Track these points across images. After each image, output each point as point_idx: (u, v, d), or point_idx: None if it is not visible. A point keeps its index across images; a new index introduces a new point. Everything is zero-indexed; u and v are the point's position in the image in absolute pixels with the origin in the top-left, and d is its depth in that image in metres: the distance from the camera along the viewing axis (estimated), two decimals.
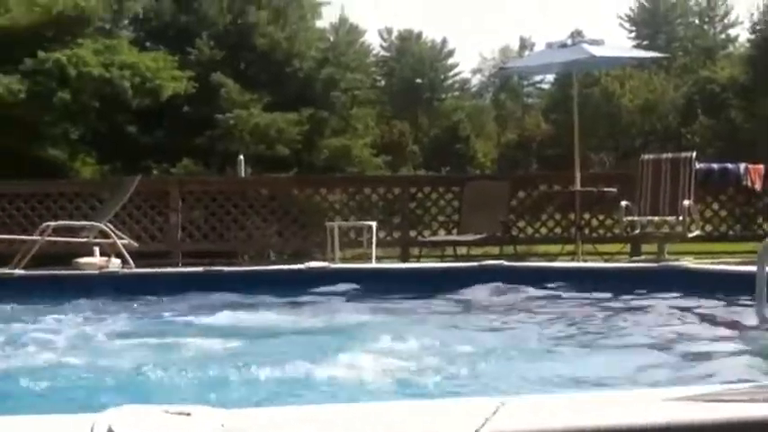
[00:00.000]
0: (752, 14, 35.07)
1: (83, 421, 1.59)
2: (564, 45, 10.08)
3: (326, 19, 30.73)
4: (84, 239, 8.05)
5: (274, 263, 10.51)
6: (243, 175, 12.75)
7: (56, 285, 6.05)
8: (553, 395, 2.26)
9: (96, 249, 7.87)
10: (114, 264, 7.43)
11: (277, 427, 1.62)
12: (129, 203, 9.33)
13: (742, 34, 41.52)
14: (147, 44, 24.33)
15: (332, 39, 29.68)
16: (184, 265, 9.47)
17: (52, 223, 8.30)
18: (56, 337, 4.06)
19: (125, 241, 7.94)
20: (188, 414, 1.63)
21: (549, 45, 10.39)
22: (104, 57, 20.66)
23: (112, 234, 7.87)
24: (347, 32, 32.12)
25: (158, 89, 21.05)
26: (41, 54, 19.56)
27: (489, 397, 1.63)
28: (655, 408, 1.61)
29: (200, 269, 6.67)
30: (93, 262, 7.42)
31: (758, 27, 34.30)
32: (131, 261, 7.56)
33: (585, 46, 9.64)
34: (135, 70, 20.72)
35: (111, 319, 4.88)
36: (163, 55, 22.20)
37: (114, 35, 23.28)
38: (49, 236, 8.03)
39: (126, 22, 25.60)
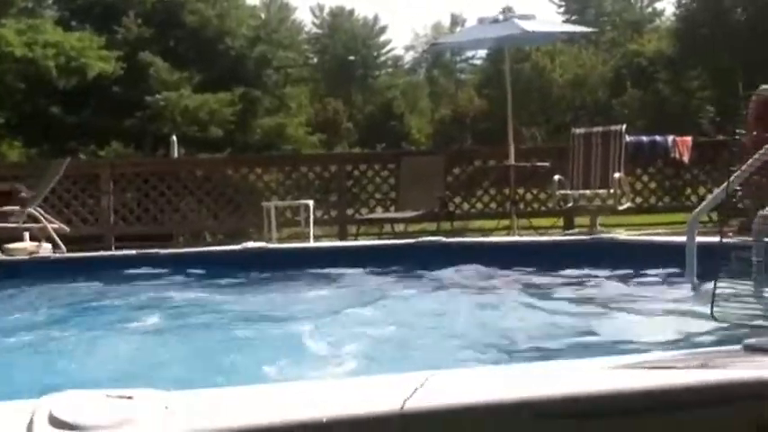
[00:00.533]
0: None
1: (23, 407, 1.56)
2: (496, 20, 10.13)
3: None
4: (14, 224, 7.86)
5: (210, 244, 10.42)
6: (176, 155, 12.57)
7: None
8: (487, 367, 2.30)
9: (26, 234, 7.70)
10: (45, 249, 7.28)
11: (221, 407, 1.62)
12: (58, 187, 9.15)
13: (668, 8, 42.38)
14: (73, 23, 23.79)
15: (263, 16, 29.42)
16: (118, 248, 9.33)
17: None
18: None
19: (56, 226, 7.78)
20: (130, 397, 1.62)
21: (481, 20, 10.44)
22: (27, 36, 20.16)
23: (42, 218, 7.71)
24: (278, 9, 31.82)
25: (84, 68, 20.64)
26: None
27: (415, 372, 1.65)
28: (598, 376, 1.65)
29: (133, 252, 6.57)
30: (24, 247, 7.26)
31: (683, 1, 34.99)
32: (63, 246, 7.42)
33: (517, 21, 9.72)
34: (59, 50, 20.28)
35: (43, 305, 4.79)
36: (89, 34, 21.75)
37: (38, 14, 22.70)
38: None
39: (50, 1, 24.98)
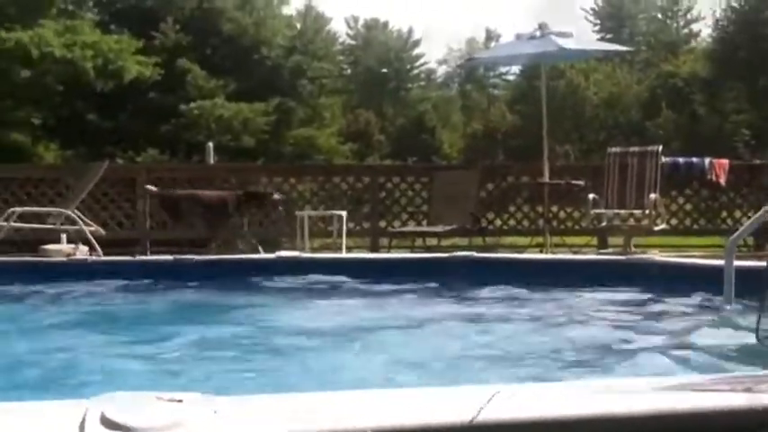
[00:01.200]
0: (714, 11, 35.54)
1: (75, 407, 1.59)
2: (533, 37, 10.12)
3: (293, 5, 30.63)
4: (52, 226, 7.96)
5: (243, 252, 10.47)
6: (212, 162, 12.65)
7: (23, 272, 5.98)
8: (544, 384, 2.30)
9: (63, 236, 7.79)
10: (82, 251, 7.36)
11: (270, 414, 1.63)
12: (95, 190, 9.24)
13: (704, 30, 42.07)
14: (112, 27, 24.06)
15: (299, 26, 29.57)
16: (153, 253, 9.41)
17: (18, 209, 8.19)
18: (30, 323, 4.03)
19: (92, 228, 7.86)
20: (180, 400, 1.64)
21: (518, 36, 10.43)
22: (66, 37, 20.40)
23: (80, 220, 7.80)
24: (314, 20, 31.98)
25: (122, 71, 20.83)
26: (3, 34, 19.26)
27: (483, 385, 1.66)
28: (644, 396, 1.65)
29: (170, 257, 6.63)
30: (61, 249, 7.35)
31: (720, 23, 34.75)
32: (99, 248, 7.49)
33: (554, 38, 9.70)
34: (97, 51, 20.49)
35: (82, 306, 4.84)
36: (126, 37, 21.97)
37: (77, 17, 22.99)
38: (15, 222, 7.92)
39: (90, 3, 25.29)
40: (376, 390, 1.82)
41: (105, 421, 1.55)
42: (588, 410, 1.54)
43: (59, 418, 1.59)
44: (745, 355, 2.88)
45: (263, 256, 6.84)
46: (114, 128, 22.47)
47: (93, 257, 7.08)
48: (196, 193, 8.77)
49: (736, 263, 4.09)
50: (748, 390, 1.77)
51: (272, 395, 1.77)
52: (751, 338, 2.31)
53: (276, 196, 8.95)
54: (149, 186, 9.06)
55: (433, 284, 5.46)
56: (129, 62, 21.10)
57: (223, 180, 10.71)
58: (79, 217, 7.91)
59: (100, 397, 1.62)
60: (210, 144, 12.57)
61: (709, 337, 3.71)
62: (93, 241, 7.61)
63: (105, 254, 7.35)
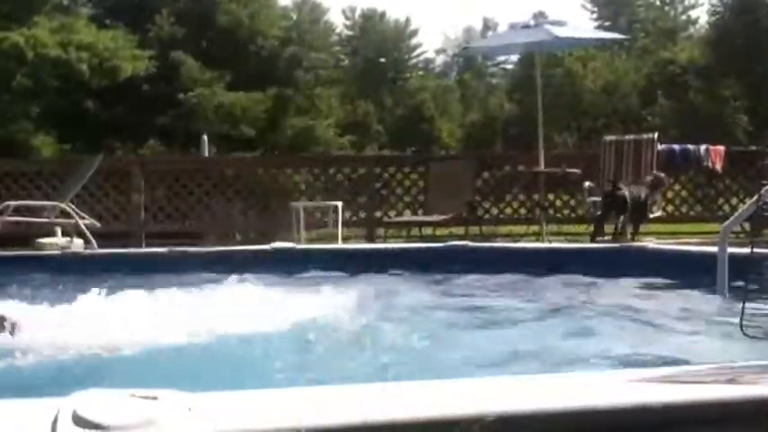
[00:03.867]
0: None
1: (48, 405, 1.57)
2: (527, 26, 10.10)
3: None
4: (46, 219, 7.94)
5: (239, 243, 10.46)
6: (207, 154, 12.64)
7: (18, 265, 5.97)
8: (524, 377, 2.28)
9: (58, 229, 7.77)
10: (77, 244, 7.35)
11: (245, 410, 1.62)
12: (90, 183, 9.22)
13: (702, 16, 41.95)
14: (107, 21, 23.98)
15: (295, 17, 29.49)
16: (148, 245, 9.39)
17: (13, 203, 8.18)
18: (18, 318, 4.00)
19: (87, 221, 7.85)
20: (155, 398, 1.62)
21: (513, 26, 10.48)
22: (61, 36, 20.34)
23: (74, 214, 7.78)
24: (310, 10, 31.89)
25: (117, 69, 20.80)
26: None
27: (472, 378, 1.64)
28: (619, 389, 1.63)
29: (164, 249, 6.61)
30: (56, 242, 7.34)
31: (717, 9, 34.65)
32: (94, 241, 7.48)
33: (548, 27, 9.68)
34: (93, 51, 20.44)
35: (74, 299, 4.82)
36: (122, 33, 21.91)
37: (72, 12, 22.90)
38: (10, 215, 7.91)
39: None
40: (345, 386, 1.81)
41: (78, 419, 1.53)
42: (558, 404, 1.52)
43: (31, 417, 1.58)
44: (733, 346, 2.86)
45: (258, 247, 6.82)
46: (112, 119, 22.43)
47: (88, 250, 7.07)
48: None
49: (733, 249, 4.06)
50: (732, 381, 1.75)
51: (247, 391, 1.75)
52: (738, 327, 2.30)
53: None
54: None
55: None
56: (124, 60, 21.05)
57: (219, 171, 10.69)
58: (74, 210, 7.89)
59: (73, 395, 1.61)
60: (205, 136, 12.54)
61: (698, 326, 3.69)
62: (89, 234, 7.60)
63: (100, 246, 7.34)
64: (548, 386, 1.73)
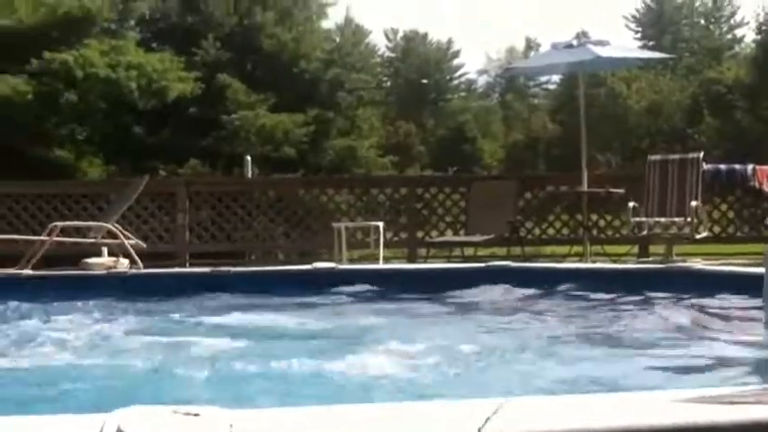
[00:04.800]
0: (758, 15, 34.99)
1: (93, 421, 1.59)
2: (569, 45, 10.04)
3: (332, 19, 30.75)
4: (93, 240, 8.06)
5: (282, 263, 10.52)
6: (250, 175, 12.74)
7: (65, 285, 6.06)
8: (559, 396, 2.26)
9: (104, 250, 7.88)
10: (123, 264, 7.45)
11: (285, 428, 1.63)
12: (136, 204, 9.35)
13: (748, 35, 41.45)
14: (154, 45, 24.38)
15: (338, 39, 29.67)
16: (192, 265, 9.49)
17: (60, 223, 8.32)
18: (68, 336, 4.07)
19: (133, 242, 7.94)
20: (197, 414, 1.64)
21: (555, 46, 10.36)
22: (110, 57, 20.71)
23: (120, 234, 7.89)
24: (353, 33, 32.08)
25: (165, 90, 21.11)
26: (47, 54, 19.60)
27: (491, 398, 1.64)
28: (662, 409, 1.61)
29: (207, 270, 6.68)
30: (102, 262, 7.43)
31: (764, 28, 34.21)
32: (140, 261, 7.57)
33: (591, 46, 9.62)
34: (141, 71, 20.78)
35: (120, 319, 4.89)
36: (169, 56, 22.25)
37: (120, 36, 23.32)
38: (57, 236, 8.04)
39: (132, 22, 25.65)
40: (389, 403, 1.81)
41: None
42: (600, 424, 1.51)
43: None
44: None
45: (300, 267, 6.85)
46: (157, 142, 22.73)
47: (134, 270, 7.16)
48: None
49: None
50: None
51: (288, 408, 1.76)
52: None
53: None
54: None
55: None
56: (172, 81, 21.36)
57: (261, 192, 10.78)
58: (120, 231, 8.00)
59: (118, 411, 1.63)
60: (248, 157, 12.65)
61: (745, 346, 3.63)
62: (134, 254, 7.69)
63: (145, 267, 7.42)
64: (591, 405, 1.71)
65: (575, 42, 10.05)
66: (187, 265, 9.63)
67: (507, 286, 5.44)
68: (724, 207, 10.11)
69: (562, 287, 5.43)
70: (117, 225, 8.12)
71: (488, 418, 1.52)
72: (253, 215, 10.36)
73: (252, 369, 3.22)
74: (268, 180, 14.62)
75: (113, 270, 7.05)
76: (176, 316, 5.07)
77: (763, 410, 1.65)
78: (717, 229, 9.89)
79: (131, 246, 7.81)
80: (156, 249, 9.59)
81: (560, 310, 4.97)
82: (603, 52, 9.54)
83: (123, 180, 11.80)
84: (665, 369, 3.24)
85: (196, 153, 22.34)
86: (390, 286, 5.72)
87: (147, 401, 1.70)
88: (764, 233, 9.80)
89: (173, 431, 1.57)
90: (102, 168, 21.76)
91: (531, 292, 5.36)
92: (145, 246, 8.27)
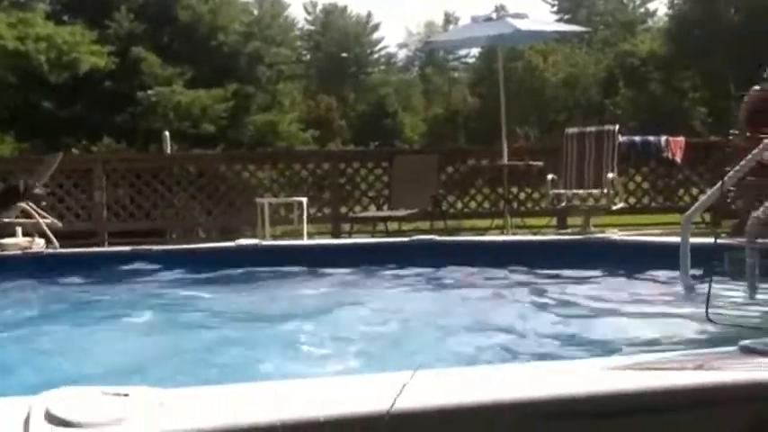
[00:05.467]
0: None
1: (20, 404, 1.56)
2: (489, 19, 10.12)
3: None
4: (6, 219, 7.83)
5: (203, 241, 10.40)
6: (169, 151, 12.52)
7: None
8: (481, 367, 2.30)
9: (19, 229, 7.66)
10: (38, 244, 7.25)
11: (216, 405, 1.62)
12: (50, 182, 9.10)
13: (661, 9, 42.44)
14: (65, 18, 23.71)
15: (256, 12, 29.33)
16: (111, 244, 9.30)
17: None
18: None
19: (48, 220, 7.75)
20: (126, 395, 1.62)
21: (475, 19, 10.43)
22: (18, 30, 20.09)
23: (35, 213, 7.68)
24: (271, 6, 31.74)
25: (76, 63, 20.59)
26: None
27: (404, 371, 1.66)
28: (596, 377, 1.65)
29: (127, 248, 6.54)
30: (17, 242, 7.23)
31: (675, 1, 35.08)
32: (56, 241, 7.39)
33: (510, 20, 9.72)
34: (51, 43, 20.22)
35: (37, 300, 4.77)
36: (80, 29, 21.69)
37: (29, 7, 22.62)
38: None
39: None
40: (305, 380, 1.82)
41: (50, 417, 1.53)
42: (536, 393, 1.54)
43: (4, 415, 1.56)
44: (699, 334, 2.91)
45: (222, 244, 6.77)
46: (70, 118, 22.17)
47: (50, 250, 6.98)
48: None
49: (694, 239, 4.12)
50: (699, 368, 1.78)
51: (218, 386, 1.75)
52: (703, 316, 2.33)
53: (37, 190, 8.07)
54: None
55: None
56: (83, 54, 20.83)
57: (181, 168, 10.61)
58: (35, 209, 7.78)
59: (45, 393, 1.60)
60: (167, 133, 12.44)
61: (664, 314, 3.74)
62: (50, 234, 7.50)
63: (62, 246, 7.25)
64: (526, 374, 1.75)
65: (494, 16, 10.13)
66: (106, 244, 9.44)
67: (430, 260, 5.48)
68: (639, 178, 10.37)
69: (486, 260, 5.50)
70: (31, 203, 7.90)
71: (405, 384, 1.54)
72: (173, 191, 10.20)
73: (176, 348, 3.18)
74: (188, 156, 14.40)
75: (29, 250, 6.86)
76: (97, 297, 4.97)
77: (685, 376, 1.71)
78: (632, 200, 10.14)
79: (47, 224, 7.61)
80: (73, 228, 9.37)
81: (484, 282, 5.03)
82: (522, 25, 9.65)
83: (36, 157, 11.47)
84: (588, 338, 3.31)
85: (111, 129, 21.88)
86: (316, 262, 5.70)
87: (69, 383, 1.67)
88: (678, 204, 10.09)
89: (102, 411, 1.54)
90: (12, 146, 21.14)
91: (455, 264, 5.40)
92: (61, 225, 8.08)
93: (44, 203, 8.02)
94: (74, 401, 1.58)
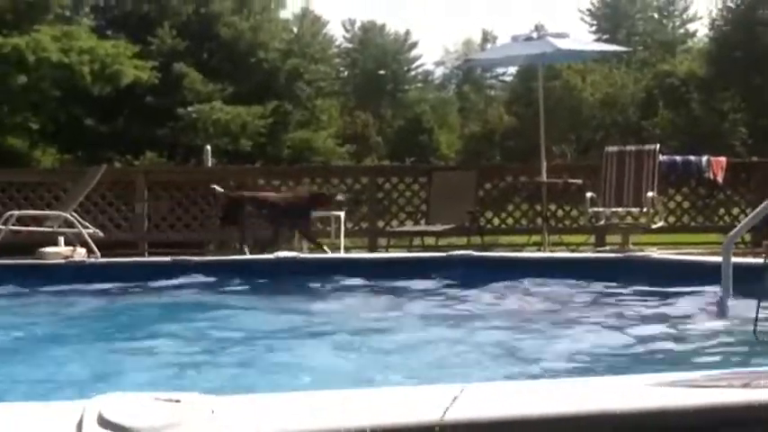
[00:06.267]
0: (710, 11, 35.57)
1: (73, 408, 1.58)
2: (529, 38, 10.13)
3: (290, 9, 30.63)
4: (49, 229, 7.95)
5: (238, 253, 10.45)
6: (209, 165, 12.64)
7: (21, 275, 5.97)
8: (531, 381, 2.30)
9: (61, 239, 7.78)
10: (80, 253, 7.36)
11: (266, 413, 1.63)
12: (93, 193, 9.24)
13: (700, 29, 42.11)
14: (108, 33, 24.06)
15: (295, 30, 29.52)
16: (151, 255, 9.39)
17: (16, 212, 8.19)
18: (29, 325, 4.02)
19: (90, 230, 7.86)
20: (177, 401, 1.64)
21: (515, 38, 10.44)
22: (63, 43, 20.42)
23: (77, 223, 7.79)
24: (311, 23, 31.95)
25: (118, 74, 20.84)
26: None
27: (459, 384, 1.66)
28: (637, 393, 1.65)
29: (167, 258, 6.62)
30: (59, 251, 7.34)
31: (716, 23, 34.79)
32: (97, 250, 7.49)
33: (551, 39, 9.71)
34: (94, 56, 20.51)
35: (80, 308, 4.84)
36: (123, 42, 21.98)
37: (74, 22, 22.99)
38: (13, 225, 7.92)
39: (87, 9, 25.29)
40: (357, 390, 1.83)
41: (103, 421, 1.55)
42: (574, 408, 1.54)
43: (57, 419, 1.59)
44: (744, 351, 2.87)
45: (262, 257, 6.83)
46: (112, 132, 22.46)
47: (91, 259, 7.08)
48: (263, 196, 8.87)
49: (735, 259, 4.09)
50: (746, 386, 1.77)
51: (269, 394, 1.76)
52: (749, 334, 2.31)
53: (339, 197, 9.07)
54: (215, 186, 9.14)
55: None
56: (125, 66, 21.11)
57: (221, 182, 10.69)
58: (77, 220, 7.90)
59: (98, 397, 1.62)
60: (208, 147, 12.54)
61: (707, 333, 3.71)
62: (92, 243, 7.61)
63: (103, 256, 7.34)
64: (573, 389, 1.74)
65: (534, 35, 10.14)
66: (146, 254, 9.54)
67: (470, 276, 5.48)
68: (679, 198, 10.28)
69: (523, 276, 5.48)
70: (74, 214, 8.02)
71: (455, 397, 1.55)
72: (212, 205, 10.28)
73: (223, 356, 3.21)
74: (228, 170, 14.52)
75: (71, 259, 6.96)
76: (139, 305, 5.02)
77: (733, 394, 1.70)
78: (671, 219, 10.06)
79: (88, 234, 7.72)
80: (114, 239, 9.48)
81: (523, 298, 5.01)
82: (563, 45, 9.63)
83: (79, 169, 11.64)
84: (634, 355, 3.29)
85: (152, 144, 22.12)
86: (357, 275, 5.71)
87: (122, 389, 1.69)
88: (718, 224, 9.98)
89: (154, 417, 1.56)
90: (55, 158, 21.46)
91: (493, 280, 5.39)
92: (102, 235, 8.19)
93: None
94: (126, 406, 1.60)
